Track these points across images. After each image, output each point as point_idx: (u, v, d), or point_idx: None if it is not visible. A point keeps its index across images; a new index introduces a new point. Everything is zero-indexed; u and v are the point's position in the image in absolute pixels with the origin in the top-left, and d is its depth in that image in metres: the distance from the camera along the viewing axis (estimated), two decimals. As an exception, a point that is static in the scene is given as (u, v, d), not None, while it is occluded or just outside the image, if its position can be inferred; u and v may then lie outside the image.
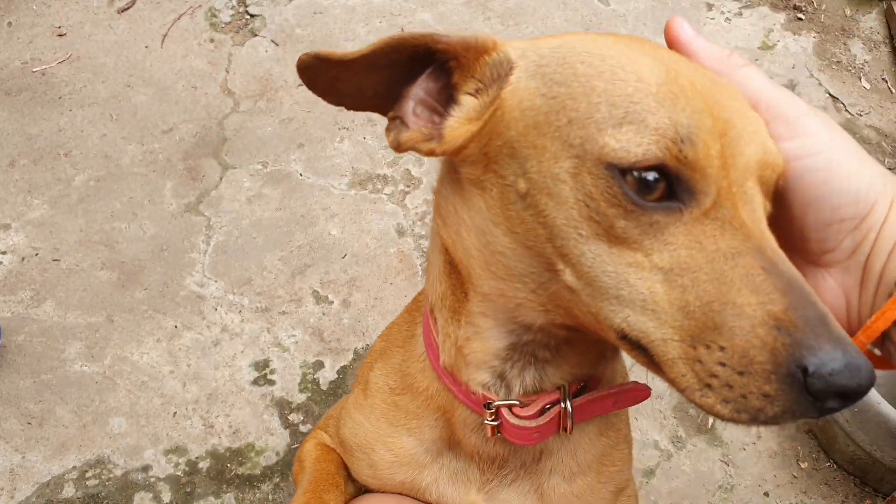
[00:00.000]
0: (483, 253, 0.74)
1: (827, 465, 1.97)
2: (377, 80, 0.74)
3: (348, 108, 0.80)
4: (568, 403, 0.82)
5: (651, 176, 0.62)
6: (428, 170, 2.47)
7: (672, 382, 0.63)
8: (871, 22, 3.23)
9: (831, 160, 0.69)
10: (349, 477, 1.11)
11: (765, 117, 0.70)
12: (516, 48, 0.72)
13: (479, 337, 0.80)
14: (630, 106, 0.62)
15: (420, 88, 0.75)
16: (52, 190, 2.30)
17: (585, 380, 0.85)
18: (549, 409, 0.83)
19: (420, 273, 2.22)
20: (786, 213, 0.71)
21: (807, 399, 0.57)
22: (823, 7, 3.25)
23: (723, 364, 0.59)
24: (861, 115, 2.94)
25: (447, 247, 0.79)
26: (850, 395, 0.57)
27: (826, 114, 0.73)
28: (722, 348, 0.59)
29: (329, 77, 0.76)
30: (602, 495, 0.98)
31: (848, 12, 3.26)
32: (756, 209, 0.65)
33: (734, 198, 0.63)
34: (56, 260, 2.15)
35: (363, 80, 0.75)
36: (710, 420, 2.01)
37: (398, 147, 0.75)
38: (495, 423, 0.84)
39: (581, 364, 0.83)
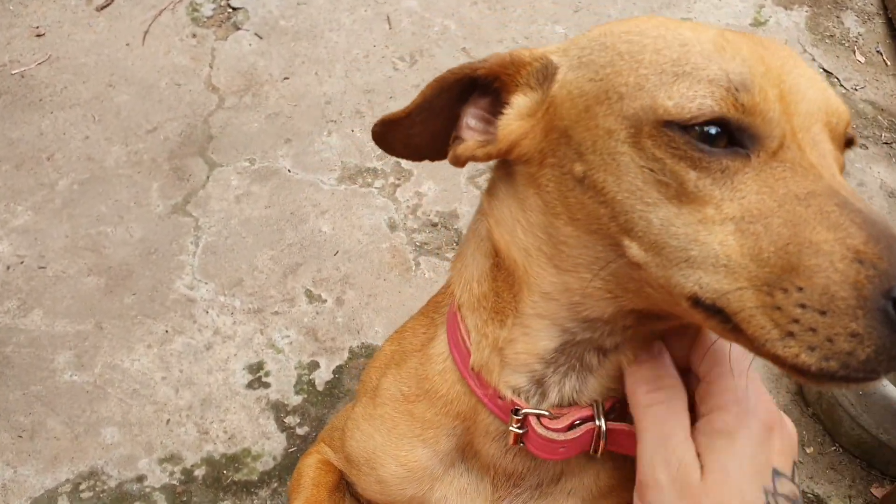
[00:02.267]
0: (545, 248, 0.74)
1: (833, 449, 1.94)
2: (441, 123, 0.80)
3: (432, 159, 0.86)
4: (602, 421, 0.79)
5: (712, 129, 0.61)
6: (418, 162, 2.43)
7: (753, 341, 0.59)
8: (865, -6, 3.18)
9: None
10: (350, 493, 1.08)
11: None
12: (556, 50, 0.75)
13: (528, 338, 0.79)
14: (679, 68, 0.63)
15: (472, 107, 0.79)
16: (36, 195, 2.25)
17: (622, 399, 0.82)
18: (578, 425, 0.80)
19: (414, 268, 2.18)
20: None
21: None
22: (816, -20, 3.20)
23: (803, 306, 0.55)
24: (856, 90, 2.90)
25: (500, 248, 0.79)
26: None
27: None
28: (800, 289, 0.56)
29: (401, 136, 0.83)
30: None
31: (841, -15, 3.21)
32: (825, 154, 0.63)
33: (800, 141, 0.62)
34: (42, 267, 2.11)
35: (429, 128, 0.81)
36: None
37: (456, 160, 0.80)
38: (520, 432, 0.81)
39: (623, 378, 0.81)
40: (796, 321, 0.56)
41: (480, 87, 0.78)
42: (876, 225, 0.56)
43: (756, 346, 0.59)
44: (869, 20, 3.16)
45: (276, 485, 1.79)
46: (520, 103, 0.75)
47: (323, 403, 1.92)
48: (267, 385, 1.95)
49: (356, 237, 2.24)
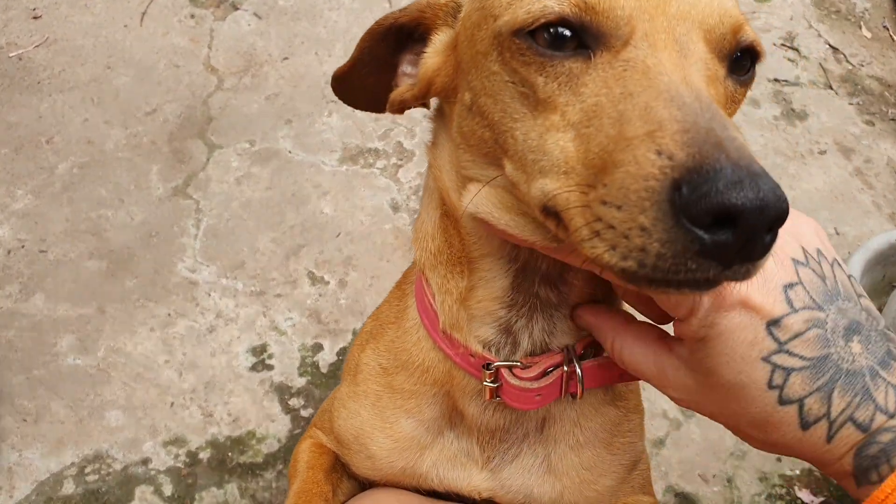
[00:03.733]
0: (457, 179, 0.76)
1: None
2: (390, 75, 0.83)
3: (393, 111, 0.88)
4: (577, 364, 0.80)
5: (559, 31, 0.61)
6: (420, 142, 2.41)
7: (575, 244, 0.57)
8: (871, -33, 3.14)
9: None
10: (348, 474, 1.07)
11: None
12: None
13: (484, 282, 0.79)
14: None
15: (409, 54, 0.81)
16: (36, 179, 2.24)
17: (593, 342, 0.82)
18: (551, 371, 0.80)
19: (417, 248, 2.17)
20: None
21: (686, 227, 0.49)
22: (821, -46, 3.16)
23: (604, 202, 0.53)
24: (863, 66, 2.86)
25: (443, 194, 0.79)
26: (736, 214, 0.48)
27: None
28: (605, 185, 0.53)
29: (359, 90, 0.86)
30: (614, 468, 0.94)
31: (846, -42, 3.16)
32: (687, 55, 0.59)
33: (654, 41, 0.59)
34: (43, 251, 2.10)
35: (381, 80, 0.83)
36: (719, 386, 1.97)
37: (391, 107, 0.82)
38: (494, 386, 0.81)
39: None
40: (600, 219, 0.54)
41: (415, 35, 0.80)
42: (698, 112, 0.53)
43: (577, 250, 0.58)
44: (875, -6, 3.12)
45: (280, 467, 1.78)
46: (436, 41, 0.77)
47: (327, 385, 1.92)
48: (270, 367, 1.94)
49: (358, 218, 2.23)
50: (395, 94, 0.81)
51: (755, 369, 0.63)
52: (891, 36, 3.00)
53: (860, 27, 3.02)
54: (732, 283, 0.60)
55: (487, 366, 0.81)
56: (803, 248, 0.67)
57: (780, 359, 0.63)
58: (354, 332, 2.01)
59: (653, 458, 1.85)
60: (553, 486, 0.92)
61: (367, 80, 0.84)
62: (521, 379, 0.80)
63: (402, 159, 2.36)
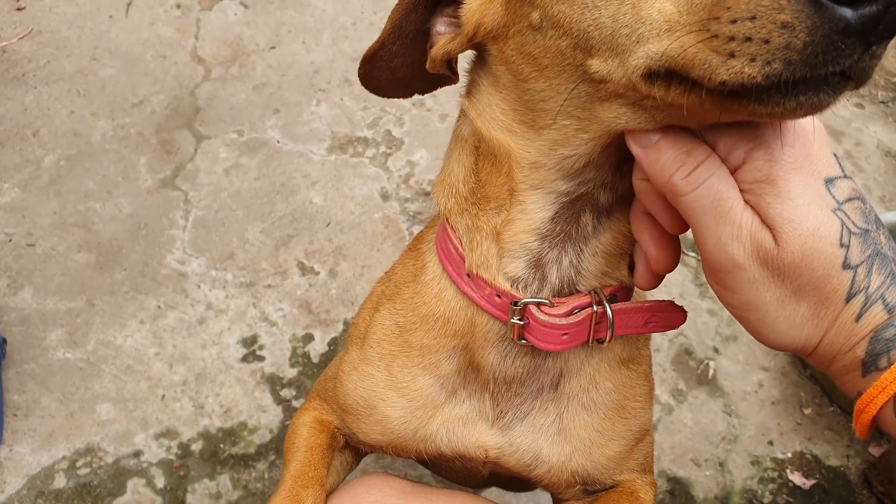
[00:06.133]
0: (525, 118, 0.76)
1: (830, 409, 1.94)
2: (418, 53, 0.83)
3: (422, 92, 0.89)
4: (607, 306, 0.80)
5: None
6: (409, 130, 2.40)
7: (701, 82, 0.59)
8: (860, -50, 3.13)
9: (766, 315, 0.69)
10: (345, 445, 1.07)
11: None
12: None
13: (524, 214, 0.80)
14: None
15: (439, 17, 0.82)
16: (22, 172, 2.22)
17: (619, 287, 0.83)
18: (578, 312, 0.81)
19: (408, 238, 2.16)
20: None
21: (829, 7, 0.52)
22: (810, -63, 3.15)
23: (734, 21, 0.55)
24: (852, 48, 2.85)
25: (484, 137, 0.81)
26: None
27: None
28: (728, 8, 0.56)
29: (385, 73, 0.86)
30: (623, 434, 0.94)
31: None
32: None
33: None
34: (31, 245, 2.08)
35: (409, 59, 0.84)
36: (711, 371, 1.98)
37: (433, 64, 0.82)
38: (521, 323, 0.81)
39: (618, 246, 0.82)
40: (732, 38, 0.56)
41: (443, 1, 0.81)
42: None
43: (707, 85, 0.59)
44: (864, -23, 3.12)
45: (273, 457, 1.78)
46: None
47: (318, 375, 1.91)
48: (261, 358, 1.93)
49: (348, 208, 2.22)
50: (438, 49, 0.81)
51: (831, 221, 0.64)
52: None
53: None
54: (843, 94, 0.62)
55: (515, 303, 0.81)
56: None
57: (843, 217, 0.65)
58: (346, 322, 2.00)
59: (645, 443, 1.86)
60: (562, 447, 0.92)
61: (394, 61, 0.84)
62: (549, 315, 0.80)
63: (391, 148, 2.35)
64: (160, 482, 1.73)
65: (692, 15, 0.59)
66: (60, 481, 1.72)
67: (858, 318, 0.65)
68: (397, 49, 0.83)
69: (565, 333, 0.80)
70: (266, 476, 1.76)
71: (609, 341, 0.82)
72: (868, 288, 0.65)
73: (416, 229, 2.18)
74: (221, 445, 1.79)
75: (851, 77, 0.58)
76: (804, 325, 0.67)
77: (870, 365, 0.65)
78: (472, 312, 0.87)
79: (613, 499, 0.97)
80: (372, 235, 2.17)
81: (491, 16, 0.76)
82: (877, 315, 0.65)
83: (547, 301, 0.81)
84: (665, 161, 0.68)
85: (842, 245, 0.64)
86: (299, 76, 2.51)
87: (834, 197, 0.65)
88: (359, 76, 0.89)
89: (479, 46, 0.81)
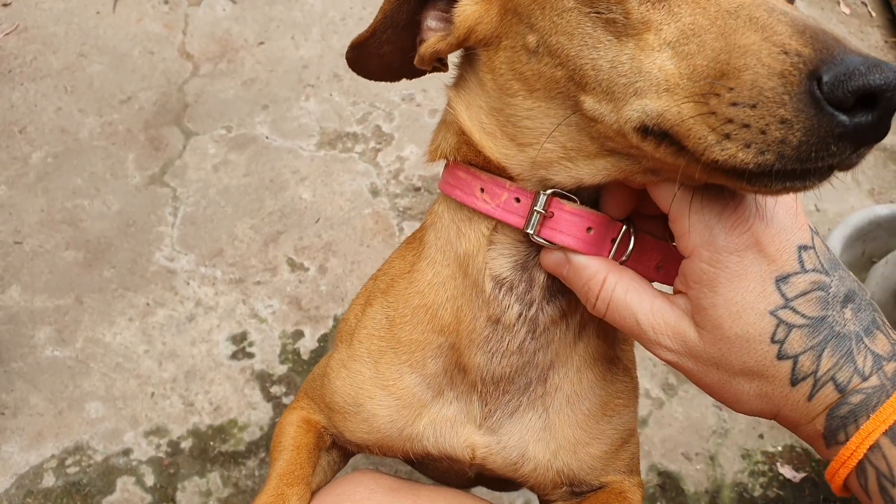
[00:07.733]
0: (507, 130, 0.76)
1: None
2: (409, 39, 0.82)
3: (409, 77, 0.88)
4: (632, 225, 0.77)
5: None
6: (399, 125, 2.39)
7: (694, 153, 0.60)
8: (849, -57, 3.13)
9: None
10: (332, 444, 1.07)
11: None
12: None
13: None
14: None
15: (431, 10, 0.81)
16: (9, 169, 2.21)
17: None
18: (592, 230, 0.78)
19: (398, 234, 2.15)
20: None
21: (829, 112, 0.54)
22: (799, -70, 3.15)
23: (734, 104, 0.57)
24: (842, 42, 2.86)
25: (467, 133, 0.80)
26: (878, 93, 0.53)
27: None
28: (731, 89, 0.57)
29: (375, 58, 0.85)
30: (608, 433, 0.94)
31: (825, -66, 3.16)
32: None
33: None
34: (18, 242, 2.07)
35: (398, 46, 0.83)
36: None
37: (422, 61, 0.82)
38: (545, 213, 0.76)
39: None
40: (730, 121, 0.57)
41: None
42: (802, 21, 0.58)
43: (698, 157, 0.60)
44: (853, -30, 3.12)
45: (263, 454, 1.78)
46: None
47: (308, 372, 1.90)
48: (251, 355, 1.93)
49: (338, 204, 2.21)
50: (426, 47, 0.80)
51: (762, 321, 0.66)
52: (869, 12, 3.00)
53: (839, 3, 3.02)
54: (812, 189, 0.62)
55: (543, 191, 0.76)
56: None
57: (786, 314, 0.66)
58: (335, 319, 2.00)
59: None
60: (548, 444, 0.92)
61: (384, 47, 0.84)
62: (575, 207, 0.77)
63: (380, 143, 2.35)
64: (150, 480, 1.73)
65: (693, 82, 0.59)
66: (49, 480, 1.72)
67: (810, 398, 0.67)
68: (388, 36, 0.83)
69: (590, 228, 0.76)
70: (256, 473, 1.75)
71: (629, 255, 0.77)
72: (817, 372, 0.66)
73: (407, 225, 2.17)
74: (211, 443, 1.79)
75: (837, 168, 0.59)
76: (755, 401, 0.70)
77: (830, 439, 0.66)
78: (458, 305, 0.86)
79: (602, 499, 0.96)
80: (362, 231, 2.16)
81: (484, 25, 0.76)
82: (828, 395, 0.66)
83: (575, 199, 0.77)
84: (577, 290, 0.76)
85: (774, 341, 0.66)
86: (288, 72, 2.50)
87: (783, 295, 0.66)
88: (346, 59, 0.88)
89: (469, 48, 0.80)
